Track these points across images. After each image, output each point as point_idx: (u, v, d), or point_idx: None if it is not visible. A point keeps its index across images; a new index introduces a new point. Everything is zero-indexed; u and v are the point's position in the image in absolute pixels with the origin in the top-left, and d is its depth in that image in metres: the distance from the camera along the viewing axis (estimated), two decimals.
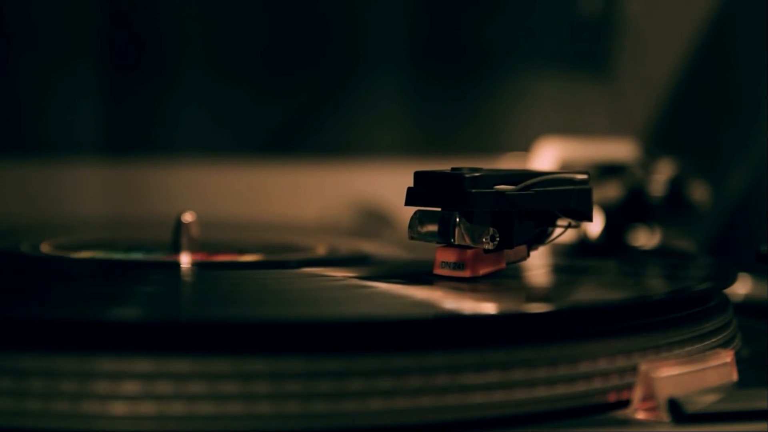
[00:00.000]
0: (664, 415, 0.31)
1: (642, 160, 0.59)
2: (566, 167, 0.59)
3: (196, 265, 0.42)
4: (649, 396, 0.31)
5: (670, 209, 0.57)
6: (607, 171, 0.58)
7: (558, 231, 0.39)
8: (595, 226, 0.55)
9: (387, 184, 0.69)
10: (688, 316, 0.35)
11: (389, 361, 0.29)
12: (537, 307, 0.34)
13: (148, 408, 0.28)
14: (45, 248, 0.46)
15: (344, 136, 0.76)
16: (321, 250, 0.47)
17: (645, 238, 0.57)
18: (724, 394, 0.31)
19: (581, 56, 0.77)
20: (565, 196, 0.37)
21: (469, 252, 0.36)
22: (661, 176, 0.57)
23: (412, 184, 0.37)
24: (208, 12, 0.75)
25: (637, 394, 0.31)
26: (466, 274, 0.36)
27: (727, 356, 0.34)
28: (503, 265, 0.37)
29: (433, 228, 0.36)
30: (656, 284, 0.43)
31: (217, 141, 0.75)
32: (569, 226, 0.39)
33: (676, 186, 0.57)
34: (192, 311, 0.33)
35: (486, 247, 0.36)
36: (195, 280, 0.39)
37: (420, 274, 0.38)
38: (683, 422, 0.30)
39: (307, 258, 0.45)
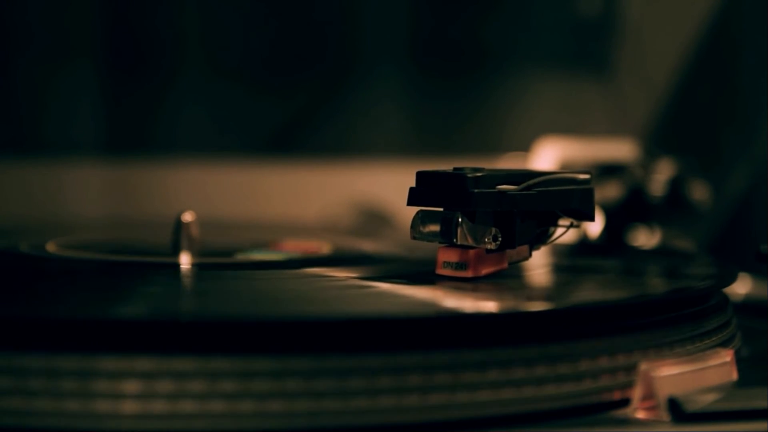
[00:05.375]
0: (664, 414, 0.31)
1: (642, 160, 0.59)
2: (566, 167, 0.59)
3: (196, 265, 0.42)
4: (649, 395, 0.31)
5: (670, 209, 0.57)
6: (607, 171, 0.58)
7: (560, 231, 0.39)
8: (595, 226, 0.55)
9: (387, 184, 0.69)
10: (687, 315, 0.35)
11: (390, 359, 0.29)
12: (538, 306, 0.34)
13: (149, 407, 0.28)
14: (45, 248, 0.46)
15: (344, 136, 0.76)
16: (321, 250, 0.47)
17: (645, 238, 0.57)
18: (724, 393, 0.32)
19: (581, 56, 0.77)
20: (567, 195, 0.38)
21: (471, 252, 0.36)
22: (661, 176, 0.57)
23: (412, 184, 0.37)
24: (208, 12, 0.75)
25: (637, 393, 0.31)
26: (468, 274, 0.36)
27: (727, 355, 0.34)
28: (505, 265, 0.37)
29: (435, 228, 0.36)
30: (656, 283, 0.43)
31: (217, 141, 0.75)
32: (571, 225, 0.39)
33: (676, 186, 0.57)
34: (192, 311, 0.33)
35: (488, 247, 0.36)
36: (195, 280, 0.39)
37: (421, 274, 0.38)
38: (683, 421, 0.30)
39: (308, 258, 0.45)
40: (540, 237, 0.38)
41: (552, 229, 0.39)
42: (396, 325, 0.30)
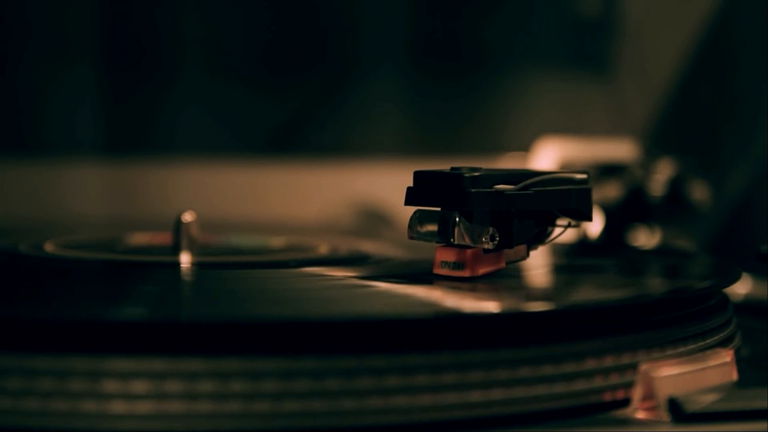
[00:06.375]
0: (664, 415, 0.31)
1: (642, 160, 0.59)
2: (566, 167, 0.59)
3: (196, 265, 0.42)
4: (649, 395, 0.31)
5: (670, 209, 0.57)
6: (607, 171, 0.58)
7: (557, 231, 0.39)
8: (595, 226, 0.55)
9: (387, 184, 0.69)
10: (687, 316, 0.35)
11: (387, 359, 0.29)
12: (537, 307, 0.34)
13: (144, 407, 0.28)
14: (45, 248, 0.46)
15: (344, 136, 0.76)
16: (321, 250, 0.47)
17: (645, 238, 0.57)
18: (724, 393, 0.31)
19: (581, 56, 0.77)
20: (564, 195, 0.37)
21: (469, 252, 0.36)
22: (661, 176, 0.57)
23: (411, 184, 0.37)
24: (208, 12, 0.75)
25: (637, 393, 0.31)
26: (466, 273, 0.36)
27: (726, 356, 0.34)
28: (503, 265, 0.37)
29: (432, 228, 0.36)
30: (656, 283, 0.43)
31: (217, 141, 0.75)
32: (569, 225, 0.39)
33: (676, 186, 0.57)
34: (191, 311, 0.33)
35: (485, 246, 0.36)
36: (195, 280, 0.39)
37: (420, 273, 0.38)
38: (683, 422, 0.30)
39: (307, 258, 0.45)
40: (538, 237, 0.38)
41: (550, 228, 0.39)
42: (393, 326, 0.30)
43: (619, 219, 0.57)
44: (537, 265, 0.42)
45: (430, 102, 0.76)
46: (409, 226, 0.37)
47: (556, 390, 0.31)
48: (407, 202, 0.37)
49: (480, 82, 0.76)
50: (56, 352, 0.28)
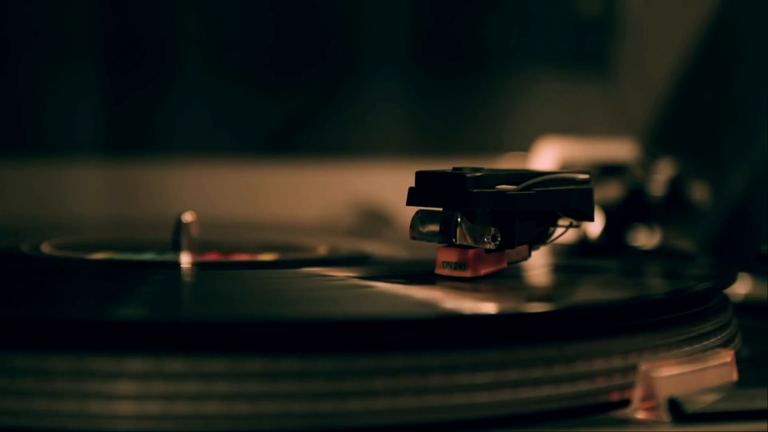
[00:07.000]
0: (664, 415, 0.31)
1: (642, 160, 0.59)
2: (566, 167, 0.59)
3: (196, 266, 0.42)
4: (649, 396, 0.31)
5: (670, 209, 0.57)
6: (607, 171, 0.58)
7: (559, 231, 0.39)
8: (595, 226, 0.55)
9: (387, 184, 0.69)
10: (688, 316, 0.35)
11: (389, 360, 0.29)
12: (537, 307, 0.34)
13: (146, 407, 0.28)
14: (45, 248, 0.46)
15: (344, 135, 0.76)
16: (321, 250, 0.47)
17: (645, 238, 0.57)
18: (724, 393, 0.32)
19: (581, 56, 0.77)
20: (566, 195, 0.38)
21: (471, 252, 0.36)
22: (661, 176, 0.57)
23: (412, 184, 0.37)
24: (209, 12, 0.75)
25: (637, 393, 0.31)
26: (468, 274, 0.36)
27: (727, 356, 0.34)
28: (504, 265, 0.37)
29: (434, 228, 0.36)
30: (656, 284, 0.43)
31: (217, 141, 0.75)
32: (570, 225, 0.39)
33: (676, 186, 0.57)
34: (191, 311, 0.33)
35: (487, 246, 0.36)
36: (194, 281, 0.39)
37: (421, 274, 0.38)
38: (683, 422, 0.30)
39: (308, 258, 0.45)
40: (539, 237, 0.38)
41: (551, 229, 0.39)
42: (394, 326, 0.30)
43: (619, 219, 0.57)
44: (537, 265, 0.42)
45: (431, 102, 0.76)
46: (411, 227, 0.37)
47: (555, 391, 0.31)
48: (409, 203, 0.37)
49: (480, 82, 0.76)
50: (51, 351, 0.28)
